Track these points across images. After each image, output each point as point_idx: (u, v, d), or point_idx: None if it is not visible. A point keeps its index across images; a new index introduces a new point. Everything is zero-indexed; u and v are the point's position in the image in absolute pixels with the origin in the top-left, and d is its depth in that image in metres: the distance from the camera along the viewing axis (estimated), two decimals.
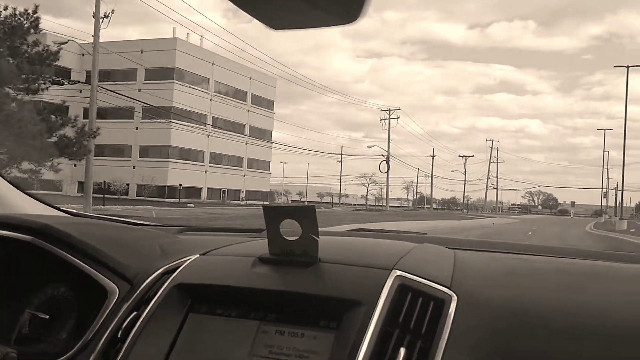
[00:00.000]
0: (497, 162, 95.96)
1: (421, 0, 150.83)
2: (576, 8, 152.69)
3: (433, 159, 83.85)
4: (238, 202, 53.78)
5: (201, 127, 49.49)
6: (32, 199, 1.54)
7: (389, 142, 53.31)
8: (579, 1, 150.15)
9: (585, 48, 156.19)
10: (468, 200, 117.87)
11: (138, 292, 1.02)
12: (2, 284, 1.17)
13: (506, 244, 1.31)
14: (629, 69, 38.36)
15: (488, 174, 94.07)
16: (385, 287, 0.85)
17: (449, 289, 0.87)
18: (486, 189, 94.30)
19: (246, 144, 57.15)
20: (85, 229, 1.19)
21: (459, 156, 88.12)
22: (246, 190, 57.72)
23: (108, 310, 1.02)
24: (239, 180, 56.86)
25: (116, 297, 1.03)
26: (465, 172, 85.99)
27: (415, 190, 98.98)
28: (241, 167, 57.57)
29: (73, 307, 1.10)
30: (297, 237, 0.93)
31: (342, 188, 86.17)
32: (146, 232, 1.42)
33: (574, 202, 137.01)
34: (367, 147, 52.79)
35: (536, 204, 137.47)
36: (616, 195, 49.47)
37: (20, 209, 1.44)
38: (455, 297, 0.85)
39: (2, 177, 1.49)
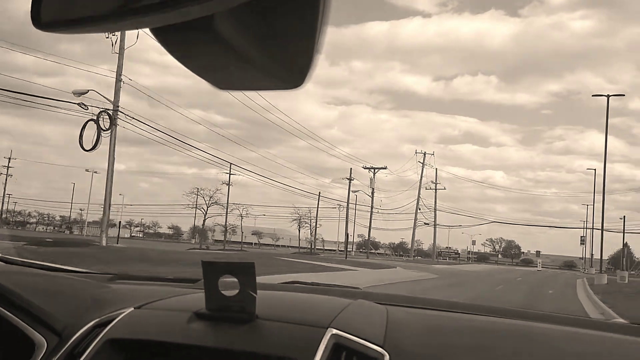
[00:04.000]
0: (436, 189, 71.27)
1: (386, 51, 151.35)
2: (536, 66, 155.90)
3: (350, 182, 59.19)
4: None
5: None
6: None
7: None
8: (538, 60, 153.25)
9: (545, 104, 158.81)
10: (418, 245, 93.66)
11: (67, 346, 1.00)
12: None
13: (436, 300, 1.37)
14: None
15: (417, 203, 68.85)
16: (320, 346, 0.90)
17: (382, 347, 0.93)
18: (414, 226, 68.94)
19: None
20: (15, 279, 1.16)
21: (364, 167, 61.90)
22: None
23: None
24: None
25: (44, 351, 1.01)
26: (372, 191, 60.64)
27: (314, 226, 72.45)
28: None
29: None
30: (235, 291, 0.95)
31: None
32: (77, 281, 1.40)
33: (539, 251, 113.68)
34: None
35: (496, 252, 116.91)
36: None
37: None
38: (387, 356, 0.91)
39: None
